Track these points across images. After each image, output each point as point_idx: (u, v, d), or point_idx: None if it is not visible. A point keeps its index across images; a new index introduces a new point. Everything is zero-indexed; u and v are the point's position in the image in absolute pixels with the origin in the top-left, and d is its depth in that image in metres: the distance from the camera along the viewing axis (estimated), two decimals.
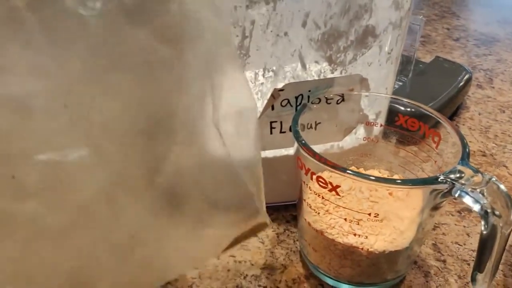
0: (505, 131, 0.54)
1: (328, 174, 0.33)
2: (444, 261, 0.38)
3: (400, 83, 0.55)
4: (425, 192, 0.31)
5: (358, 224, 0.32)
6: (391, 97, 0.38)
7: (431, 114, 0.35)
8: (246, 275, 0.36)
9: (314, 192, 0.32)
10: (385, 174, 0.38)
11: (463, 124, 0.55)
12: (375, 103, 0.38)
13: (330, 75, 0.36)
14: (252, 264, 0.37)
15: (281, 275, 0.36)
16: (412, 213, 0.33)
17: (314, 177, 0.31)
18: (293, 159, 0.34)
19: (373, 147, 0.39)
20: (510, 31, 0.79)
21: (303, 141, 0.31)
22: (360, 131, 0.39)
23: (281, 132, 0.37)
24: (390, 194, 0.32)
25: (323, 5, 0.33)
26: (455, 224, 0.41)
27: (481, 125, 0.55)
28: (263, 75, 0.35)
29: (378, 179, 0.29)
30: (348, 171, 0.29)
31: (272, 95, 0.36)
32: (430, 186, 0.30)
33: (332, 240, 0.33)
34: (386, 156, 0.38)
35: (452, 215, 0.42)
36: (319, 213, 0.33)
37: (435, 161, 0.35)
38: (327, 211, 0.33)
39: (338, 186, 0.30)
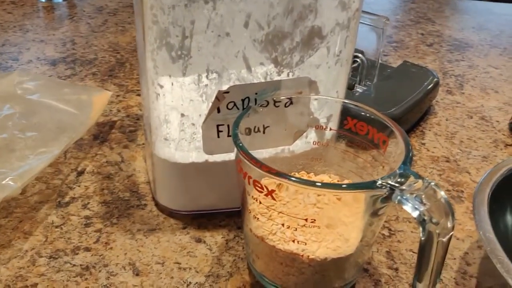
0: (471, 137, 0.54)
1: (272, 180, 0.32)
2: (396, 269, 0.37)
3: (365, 88, 0.55)
4: (366, 198, 0.30)
5: (300, 230, 0.31)
6: (344, 101, 0.37)
7: (378, 118, 0.34)
8: (190, 282, 0.35)
9: (253, 197, 0.31)
10: (335, 179, 0.37)
11: (429, 130, 0.54)
12: (325, 106, 0.37)
13: (277, 78, 0.35)
14: (197, 272, 0.36)
15: (225, 283, 0.35)
16: (356, 219, 0.32)
17: (251, 181, 0.30)
18: (234, 163, 0.33)
19: (323, 151, 0.38)
20: (484, 37, 0.79)
21: (241, 145, 0.30)
22: (311, 135, 0.38)
23: (228, 135, 0.36)
24: (339, 199, 0.32)
25: (265, 6, 0.32)
26: (411, 232, 0.40)
27: (448, 131, 0.54)
28: (207, 77, 0.34)
29: (306, 182, 0.28)
30: (282, 176, 0.28)
31: (217, 98, 0.35)
32: (368, 191, 0.29)
33: (273, 247, 0.32)
34: (336, 160, 0.37)
35: (410, 222, 0.41)
36: (260, 219, 0.32)
37: (383, 166, 0.34)
38: (269, 217, 0.32)
39: (273, 191, 0.29)
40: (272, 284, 0.34)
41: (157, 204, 0.41)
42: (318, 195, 0.32)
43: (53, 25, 0.74)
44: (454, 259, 0.38)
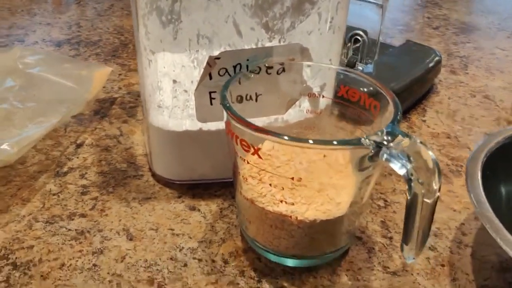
0: (473, 114, 0.53)
1: (270, 145, 0.32)
2: (390, 238, 0.37)
3: (365, 66, 0.54)
4: (354, 158, 0.30)
5: (289, 192, 0.31)
6: (339, 69, 0.37)
7: (368, 82, 0.34)
8: (183, 247, 0.35)
9: (241, 158, 0.32)
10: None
11: (431, 108, 0.54)
12: (318, 74, 0.37)
13: (268, 44, 0.36)
14: (190, 238, 0.36)
15: (218, 248, 0.35)
16: (346, 183, 0.32)
17: (238, 141, 0.30)
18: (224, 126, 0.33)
19: (316, 120, 0.38)
20: (492, 20, 0.78)
21: (228, 105, 0.30)
22: (305, 104, 0.38)
23: None
24: (327, 162, 0.31)
25: None
26: None
27: (449, 109, 0.54)
28: (198, 42, 0.34)
29: (294, 139, 0.28)
30: (265, 132, 0.28)
31: (208, 63, 0.35)
32: (353, 148, 0.29)
33: (262, 209, 0.32)
34: (329, 129, 0.37)
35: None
36: (250, 182, 0.32)
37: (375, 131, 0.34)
38: (260, 180, 0.32)
39: (259, 149, 0.30)
40: (263, 249, 0.34)
41: (153, 175, 0.42)
42: (308, 161, 0.32)
43: (60, 10, 0.75)
44: (450, 229, 0.38)
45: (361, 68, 0.54)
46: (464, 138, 0.49)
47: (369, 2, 0.54)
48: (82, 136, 0.46)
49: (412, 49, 0.58)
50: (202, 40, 0.34)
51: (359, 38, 0.56)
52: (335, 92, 0.36)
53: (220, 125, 0.38)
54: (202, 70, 0.35)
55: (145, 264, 0.34)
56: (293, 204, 0.31)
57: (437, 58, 0.56)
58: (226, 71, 0.35)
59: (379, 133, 0.28)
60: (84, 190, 0.40)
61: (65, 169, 0.42)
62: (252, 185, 0.32)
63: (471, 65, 0.64)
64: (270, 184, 0.31)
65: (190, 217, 0.38)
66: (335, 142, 0.28)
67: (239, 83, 0.35)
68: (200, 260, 0.34)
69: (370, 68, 0.54)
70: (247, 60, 0.35)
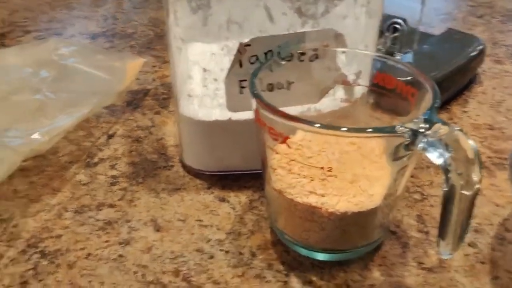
0: None
1: (301, 135, 0.31)
2: (426, 233, 0.35)
3: (403, 55, 0.52)
4: (389, 147, 0.28)
5: (320, 183, 0.30)
6: (371, 54, 0.35)
7: (405, 68, 0.32)
8: (210, 239, 0.34)
9: (270, 148, 0.30)
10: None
11: (473, 98, 0.51)
12: (354, 61, 0.35)
13: (300, 29, 0.34)
14: (219, 229, 0.35)
15: (246, 241, 0.34)
16: (380, 173, 0.31)
17: (267, 129, 0.29)
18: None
19: (351, 109, 0.36)
20: None
21: (256, 92, 0.29)
22: (339, 92, 0.37)
23: None
24: (360, 152, 0.30)
25: None
26: None
27: (493, 99, 0.51)
28: (228, 28, 0.34)
29: (325, 127, 0.27)
30: (297, 120, 0.27)
31: (239, 50, 0.34)
32: (388, 136, 0.27)
33: (291, 200, 0.31)
34: (364, 118, 0.36)
35: None
36: (279, 172, 0.31)
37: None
38: (289, 171, 0.31)
39: (287, 138, 0.28)
40: (293, 242, 0.33)
41: (183, 166, 0.41)
42: (341, 152, 0.31)
43: (98, 3, 0.76)
44: (492, 225, 0.36)
45: (399, 57, 0.52)
46: (509, 129, 0.46)
47: None
48: (114, 127, 0.46)
49: (454, 37, 0.55)
50: (232, 26, 0.33)
51: (398, 26, 0.54)
52: (371, 79, 0.34)
53: (251, 114, 0.37)
54: (232, 58, 0.34)
55: (171, 255, 0.33)
56: (323, 195, 0.30)
57: (480, 47, 0.53)
58: (257, 58, 0.34)
59: (416, 121, 0.27)
60: (114, 180, 0.40)
61: (95, 160, 0.42)
62: (281, 176, 0.31)
63: None
64: (300, 175, 0.30)
65: (219, 208, 0.37)
66: (369, 130, 0.27)
67: (270, 70, 0.33)
68: (227, 252, 0.33)
69: (409, 57, 0.52)
70: (279, 46, 0.34)
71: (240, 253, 0.33)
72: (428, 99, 0.29)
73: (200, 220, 0.36)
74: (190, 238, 0.34)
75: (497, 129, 0.46)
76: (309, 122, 0.27)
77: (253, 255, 0.33)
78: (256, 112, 0.30)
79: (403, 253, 0.33)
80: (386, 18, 0.56)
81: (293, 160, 0.30)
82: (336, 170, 0.29)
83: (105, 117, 0.48)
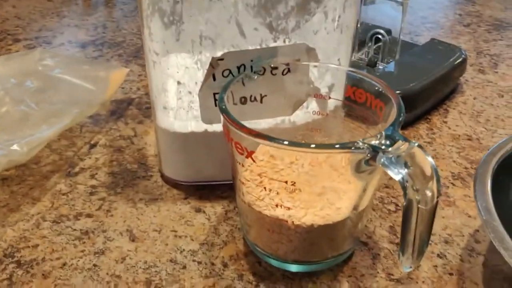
0: (498, 115, 0.51)
1: (266, 150, 0.31)
2: (397, 244, 0.36)
3: (386, 65, 0.53)
4: (352, 161, 0.29)
5: (287, 196, 0.30)
6: (343, 69, 0.36)
7: (374, 82, 0.33)
8: (183, 249, 0.35)
9: (238, 162, 0.31)
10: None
11: (454, 108, 0.52)
12: (326, 74, 0.36)
13: (272, 44, 0.35)
14: (192, 240, 0.36)
15: (219, 251, 0.35)
16: (347, 186, 0.31)
17: (233, 143, 0.30)
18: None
19: (323, 121, 0.37)
20: None
21: (224, 107, 0.30)
22: (312, 105, 0.37)
23: None
24: (331, 166, 0.31)
25: None
26: None
27: (474, 110, 0.52)
28: (200, 43, 0.34)
29: (292, 144, 0.27)
30: (259, 136, 0.27)
31: (211, 65, 0.34)
32: (348, 152, 0.28)
33: (259, 213, 0.31)
34: (337, 130, 0.36)
35: None
36: (247, 185, 0.32)
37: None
38: (258, 184, 0.31)
39: (252, 152, 0.29)
40: (263, 253, 0.34)
41: (162, 176, 0.42)
42: (310, 164, 0.31)
43: (88, 11, 0.77)
44: (463, 236, 0.36)
45: (381, 67, 0.53)
46: (487, 140, 0.47)
47: (391, 0, 0.52)
48: (97, 137, 0.47)
49: (437, 47, 0.56)
50: (205, 41, 0.34)
51: (380, 37, 0.54)
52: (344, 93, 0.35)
53: None
54: (205, 71, 0.35)
55: (144, 265, 0.34)
56: (289, 208, 0.30)
57: (462, 57, 0.54)
58: (230, 72, 0.35)
59: (378, 136, 0.27)
60: (93, 190, 0.40)
61: (76, 169, 0.43)
62: (250, 189, 0.32)
63: (501, 64, 0.61)
64: (265, 188, 0.30)
65: (194, 218, 0.38)
66: (328, 146, 0.27)
67: (243, 84, 0.34)
68: (199, 262, 0.34)
69: (391, 67, 0.53)
70: (251, 61, 0.35)
71: (212, 264, 0.34)
72: (393, 114, 0.30)
73: (175, 231, 0.37)
74: (164, 249, 0.35)
75: (475, 140, 0.47)
76: (270, 138, 0.27)
77: (225, 265, 0.34)
78: (224, 126, 0.31)
79: (372, 264, 0.34)
80: (369, 28, 0.56)
81: (259, 174, 0.31)
82: (300, 184, 0.29)
83: (88, 127, 0.48)
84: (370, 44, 0.55)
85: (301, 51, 0.35)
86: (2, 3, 0.79)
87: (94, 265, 0.34)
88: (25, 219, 0.38)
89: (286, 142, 0.27)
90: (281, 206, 0.30)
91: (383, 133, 0.27)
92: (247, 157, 0.29)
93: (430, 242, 0.35)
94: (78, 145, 0.46)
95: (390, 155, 0.26)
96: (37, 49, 0.50)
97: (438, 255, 0.35)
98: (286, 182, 0.29)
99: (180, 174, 0.40)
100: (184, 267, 0.34)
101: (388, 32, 0.55)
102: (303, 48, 0.35)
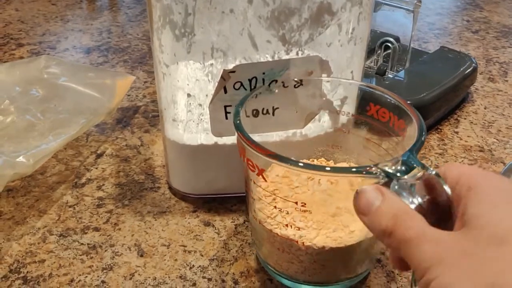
0: (510, 126, 0.50)
1: (281, 169, 0.30)
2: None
3: (396, 73, 0.52)
4: (370, 182, 0.28)
5: (300, 216, 0.30)
6: (361, 84, 0.35)
7: (398, 103, 0.32)
8: (193, 265, 0.34)
9: (251, 179, 0.30)
10: None
11: (465, 118, 0.51)
12: (339, 87, 0.35)
13: (285, 57, 0.34)
14: (202, 255, 0.35)
15: (229, 267, 0.34)
16: None
17: (245, 159, 0.29)
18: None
19: (343, 138, 0.36)
20: None
21: (238, 122, 0.29)
22: (325, 118, 0.37)
23: None
24: (350, 185, 0.29)
25: None
26: None
27: (485, 120, 0.51)
28: (212, 55, 0.33)
29: (307, 166, 0.26)
30: (273, 156, 0.26)
31: (222, 77, 0.34)
32: (361, 177, 0.26)
33: (270, 231, 0.31)
34: (357, 149, 0.35)
35: None
36: (260, 203, 0.31)
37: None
38: (269, 202, 0.31)
39: (263, 170, 0.28)
40: (274, 272, 0.33)
41: (170, 188, 0.41)
42: (331, 183, 0.30)
43: (93, 15, 0.76)
44: None
45: (391, 76, 0.52)
46: (499, 151, 0.46)
47: (401, 7, 0.52)
48: (103, 146, 0.46)
49: (447, 56, 0.55)
50: (216, 53, 0.33)
51: (389, 45, 0.53)
52: (365, 110, 0.33)
53: (236, 139, 0.37)
54: (216, 84, 0.34)
55: (153, 282, 0.33)
56: (299, 229, 0.30)
57: (473, 66, 0.53)
58: (242, 84, 0.34)
59: (393, 162, 0.26)
60: (100, 202, 0.40)
61: (83, 180, 0.42)
62: (262, 206, 0.31)
63: (511, 72, 0.60)
64: (276, 207, 0.30)
65: (203, 233, 0.37)
66: (341, 170, 0.27)
67: (255, 97, 0.33)
68: (209, 279, 0.33)
69: (401, 76, 0.52)
70: (263, 73, 0.34)
71: (223, 281, 0.33)
72: (412, 138, 0.29)
73: (184, 246, 0.36)
74: (173, 264, 0.34)
75: (488, 151, 0.46)
76: (284, 159, 0.26)
77: (236, 282, 0.33)
78: (238, 141, 0.30)
79: (386, 283, 0.33)
80: (378, 35, 0.56)
81: (272, 191, 0.30)
82: (312, 205, 0.29)
83: (95, 136, 0.48)
84: (379, 51, 0.54)
85: (314, 63, 0.35)
86: (5, 6, 0.79)
87: (103, 282, 0.33)
88: (31, 233, 0.37)
89: (301, 164, 0.26)
90: (292, 226, 0.30)
91: (400, 158, 0.26)
92: (258, 174, 0.29)
93: None
94: (84, 154, 0.45)
95: (405, 182, 0.25)
96: (42, 56, 0.49)
97: None
98: (296, 203, 0.28)
99: (188, 186, 0.40)
100: (194, 284, 0.33)
101: (397, 39, 0.54)
102: (316, 61, 0.34)
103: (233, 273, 0.34)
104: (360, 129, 0.35)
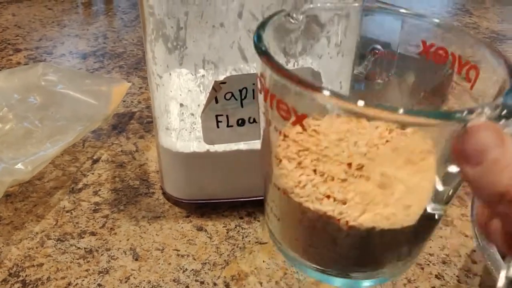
0: None
1: (311, 121, 0.23)
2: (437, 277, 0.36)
3: (383, 81, 0.53)
4: (442, 142, 0.21)
5: (339, 185, 0.22)
6: (407, 13, 0.29)
7: (468, 36, 0.25)
8: (186, 269, 0.36)
9: (275, 128, 0.23)
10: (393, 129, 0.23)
11: None
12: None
13: None
14: (195, 259, 0.36)
15: (221, 271, 0.36)
16: (422, 180, 0.23)
17: (275, 102, 0.22)
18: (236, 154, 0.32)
19: (382, 89, 0.29)
20: None
21: (264, 49, 0.23)
22: None
23: (228, 126, 0.37)
24: (397, 149, 0.22)
25: None
26: None
27: None
28: (203, 67, 0.35)
29: (379, 106, 0.19)
30: (321, 89, 0.19)
31: (214, 88, 0.35)
32: (455, 123, 0.19)
33: (299, 205, 0.23)
34: (397, 102, 0.28)
35: None
36: (285, 165, 0.24)
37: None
38: (299, 163, 0.23)
39: (304, 117, 0.21)
40: (298, 260, 0.26)
41: (164, 193, 0.42)
42: (369, 145, 0.22)
43: (89, 20, 0.77)
44: (460, 256, 0.37)
45: (381, 81, 0.54)
46: None
47: (389, 13, 0.53)
48: (99, 152, 0.47)
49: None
50: (207, 65, 0.35)
51: (376, 51, 0.55)
52: (417, 48, 0.28)
53: (228, 147, 0.38)
54: (208, 94, 0.35)
55: (148, 285, 0.34)
56: (344, 202, 0.22)
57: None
58: (232, 95, 0.36)
59: (491, 107, 0.19)
60: (96, 207, 0.41)
61: (80, 186, 0.43)
62: (288, 170, 0.24)
63: None
64: (314, 171, 0.23)
65: (196, 237, 0.38)
66: (437, 114, 0.20)
67: (241, 106, 0.35)
68: (202, 282, 0.35)
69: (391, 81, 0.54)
70: (253, 84, 0.35)
71: (215, 284, 0.35)
72: (495, 82, 0.22)
73: (177, 250, 0.37)
74: (167, 268, 0.36)
75: None
76: (341, 96, 0.20)
77: (227, 286, 0.34)
78: (261, 80, 0.24)
79: None
80: (368, 41, 0.57)
81: (305, 150, 0.23)
82: (367, 169, 0.22)
83: (91, 141, 0.49)
84: (369, 57, 0.56)
85: (306, 74, 0.36)
86: (2, 11, 0.80)
87: (99, 285, 0.34)
88: (30, 237, 0.38)
89: (361, 103, 0.19)
90: (331, 198, 0.23)
91: (499, 100, 0.20)
92: (294, 123, 0.22)
93: (428, 262, 0.36)
94: (81, 160, 0.46)
95: None
96: (39, 63, 0.51)
97: (436, 276, 0.35)
98: (349, 164, 0.21)
99: (181, 192, 0.41)
100: (187, 287, 0.34)
101: (387, 45, 0.55)
102: (309, 72, 0.36)
103: (225, 277, 0.35)
104: (404, 75, 0.29)
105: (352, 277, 0.26)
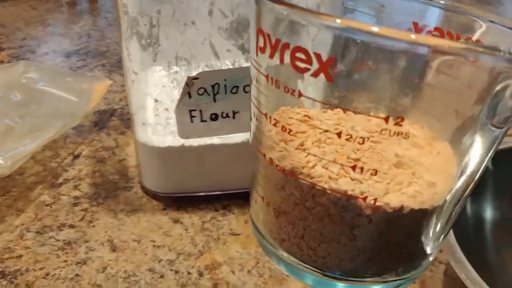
0: None
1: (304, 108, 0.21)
2: None
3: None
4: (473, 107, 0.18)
5: (355, 165, 0.19)
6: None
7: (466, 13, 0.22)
8: (162, 259, 0.37)
9: (286, 86, 0.20)
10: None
11: None
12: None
13: (245, 64, 0.37)
14: (170, 250, 0.38)
15: (195, 261, 0.37)
16: (438, 157, 0.21)
17: (288, 53, 0.19)
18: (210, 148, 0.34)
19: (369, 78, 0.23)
20: None
21: None
22: None
23: (201, 120, 0.38)
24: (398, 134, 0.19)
25: None
26: None
27: None
28: (176, 64, 0.36)
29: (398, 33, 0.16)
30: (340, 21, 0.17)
31: (187, 83, 0.36)
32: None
33: (311, 187, 0.20)
34: (385, 90, 0.23)
35: None
36: (282, 146, 0.21)
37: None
38: (301, 145, 0.20)
39: (332, 59, 0.19)
40: (300, 263, 0.22)
41: (142, 187, 0.44)
42: (368, 130, 0.19)
43: (73, 20, 0.78)
44: None
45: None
46: None
47: (363, 12, 0.54)
48: (80, 148, 0.49)
49: None
50: (180, 61, 0.36)
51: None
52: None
53: (202, 141, 0.39)
54: (181, 90, 0.37)
55: (124, 274, 0.35)
56: (361, 181, 0.19)
57: None
58: (205, 90, 0.37)
59: None
60: (76, 201, 0.42)
61: (60, 180, 0.44)
62: (288, 152, 0.21)
63: None
64: (321, 152, 0.20)
65: (172, 229, 0.39)
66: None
67: (214, 101, 0.36)
68: (176, 272, 0.36)
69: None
70: (225, 80, 0.37)
71: (189, 273, 0.36)
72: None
73: (153, 241, 0.38)
74: (143, 258, 0.37)
75: None
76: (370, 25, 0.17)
77: (201, 274, 0.36)
78: (264, 35, 0.20)
79: None
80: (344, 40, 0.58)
81: (303, 132, 0.21)
82: (378, 148, 0.20)
83: (72, 138, 0.50)
84: (350, 48, 0.57)
85: None
86: None
87: (76, 275, 0.35)
88: (9, 230, 0.39)
89: (376, 29, 0.17)
90: (348, 176, 0.20)
91: None
92: (316, 73, 0.18)
93: None
94: (62, 156, 0.47)
95: None
96: (21, 61, 0.52)
97: None
98: (363, 139, 0.19)
99: (159, 186, 0.42)
100: (162, 276, 0.35)
101: None
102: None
103: (199, 266, 0.36)
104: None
105: (366, 281, 0.22)
